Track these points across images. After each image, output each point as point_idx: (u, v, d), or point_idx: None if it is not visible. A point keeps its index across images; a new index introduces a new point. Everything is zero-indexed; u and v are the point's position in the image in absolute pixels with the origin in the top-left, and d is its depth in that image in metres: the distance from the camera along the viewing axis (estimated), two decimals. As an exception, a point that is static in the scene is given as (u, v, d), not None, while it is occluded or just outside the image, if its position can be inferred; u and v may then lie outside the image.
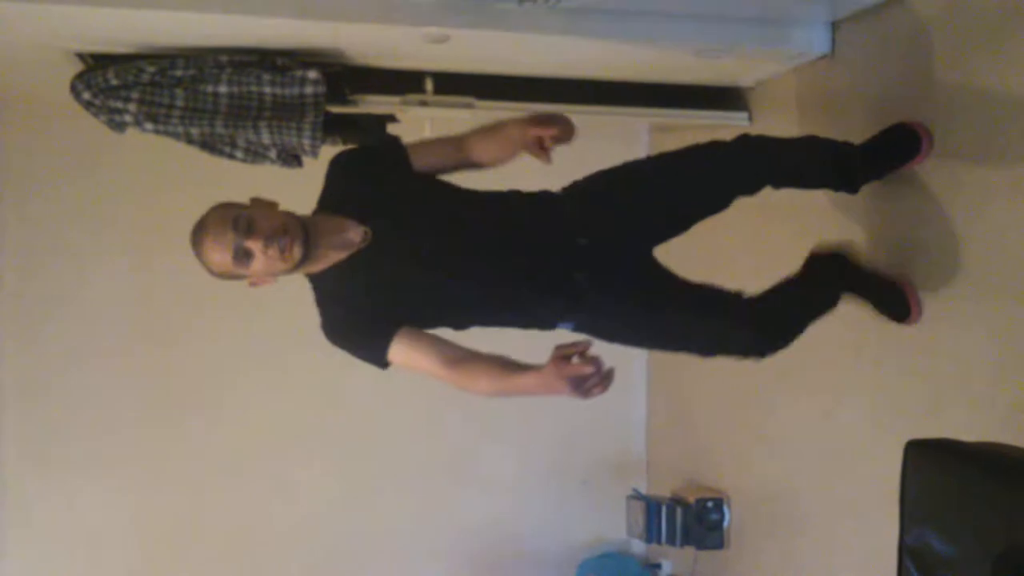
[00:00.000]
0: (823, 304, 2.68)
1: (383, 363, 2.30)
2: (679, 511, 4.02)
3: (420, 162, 2.40)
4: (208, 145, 3.13)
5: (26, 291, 4.10)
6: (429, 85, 3.31)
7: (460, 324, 2.41)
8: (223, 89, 3.00)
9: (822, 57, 3.13)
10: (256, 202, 2.25)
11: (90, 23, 2.81)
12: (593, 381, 2.08)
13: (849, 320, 2.97)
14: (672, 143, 4.19)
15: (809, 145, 2.66)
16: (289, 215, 2.23)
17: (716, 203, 2.58)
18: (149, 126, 3.00)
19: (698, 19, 3.00)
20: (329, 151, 3.16)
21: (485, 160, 2.47)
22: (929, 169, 2.65)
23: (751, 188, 2.57)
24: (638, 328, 2.54)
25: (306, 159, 3.20)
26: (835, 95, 3.12)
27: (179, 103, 2.99)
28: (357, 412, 4.33)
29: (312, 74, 3.02)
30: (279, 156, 3.15)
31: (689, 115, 3.64)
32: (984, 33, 2.48)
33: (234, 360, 4.25)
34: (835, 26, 3.07)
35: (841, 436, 3.07)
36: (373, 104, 3.30)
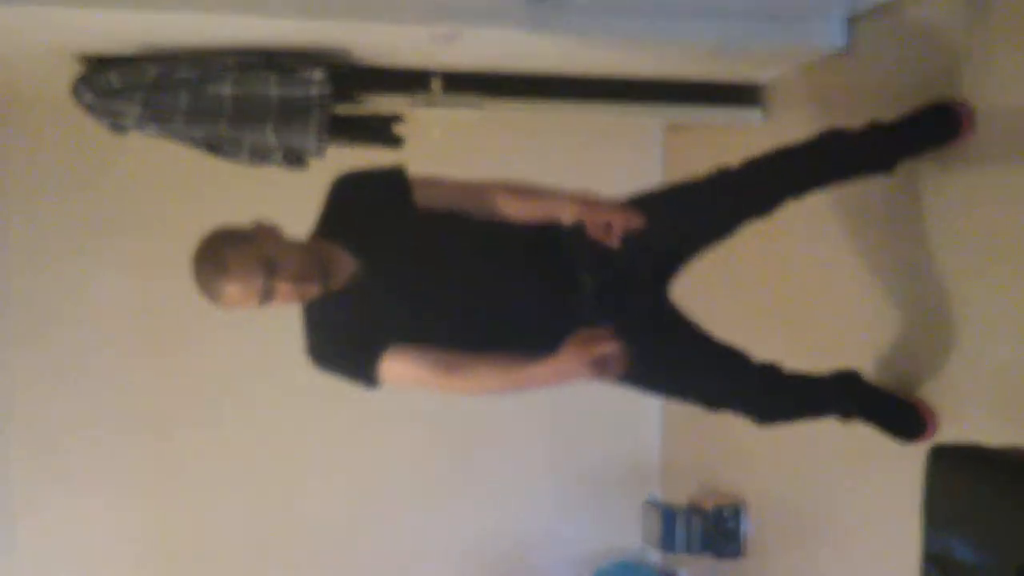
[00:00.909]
0: (820, 413, 2.74)
1: (371, 381, 2.26)
2: (696, 519, 4.00)
3: (423, 197, 2.32)
4: (212, 147, 3.14)
5: (31, 297, 4.10)
6: (436, 85, 3.29)
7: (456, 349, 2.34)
8: (228, 91, 3.01)
9: (838, 53, 3.09)
10: (260, 229, 2.19)
11: (93, 24, 2.80)
12: (615, 363, 2.07)
13: (869, 324, 2.95)
14: (684, 142, 4.23)
15: (827, 143, 2.60)
16: (306, 252, 2.19)
17: (726, 232, 2.56)
18: (153, 128, 3.02)
19: (712, 16, 2.98)
20: (334, 153, 3.18)
21: (510, 217, 2.35)
22: (949, 165, 2.60)
23: (766, 212, 2.55)
24: (642, 373, 2.42)
25: (311, 160, 3.19)
26: (851, 91, 3.09)
27: (183, 105, 3.00)
28: (366, 422, 4.31)
29: (318, 75, 3.02)
30: (284, 157, 3.15)
31: (703, 112, 3.62)
32: (1004, 27, 2.43)
33: (239, 370, 4.25)
34: (852, 21, 3.04)
35: (862, 441, 3.02)
36: (380, 104, 3.29)
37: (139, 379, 4.19)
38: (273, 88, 3.00)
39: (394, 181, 2.33)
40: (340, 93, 3.11)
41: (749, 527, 3.91)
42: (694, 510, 4.03)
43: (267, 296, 2.10)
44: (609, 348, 2.04)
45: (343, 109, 3.20)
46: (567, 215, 2.28)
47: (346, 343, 2.27)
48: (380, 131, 3.25)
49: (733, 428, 3.95)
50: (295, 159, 3.17)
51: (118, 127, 3.03)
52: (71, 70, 3.04)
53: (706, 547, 3.98)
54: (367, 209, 2.31)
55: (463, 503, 4.50)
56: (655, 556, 4.53)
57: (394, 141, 3.25)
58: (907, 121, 2.62)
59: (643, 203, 2.45)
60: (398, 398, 3.77)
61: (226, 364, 4.23)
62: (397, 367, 2.23)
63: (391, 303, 2.27)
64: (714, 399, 2.62)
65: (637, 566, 4.51)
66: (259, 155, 3.15)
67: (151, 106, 2.97)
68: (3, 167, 4.03)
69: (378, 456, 4.41)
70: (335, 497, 4.38)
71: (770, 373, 2.61)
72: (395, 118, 3.30)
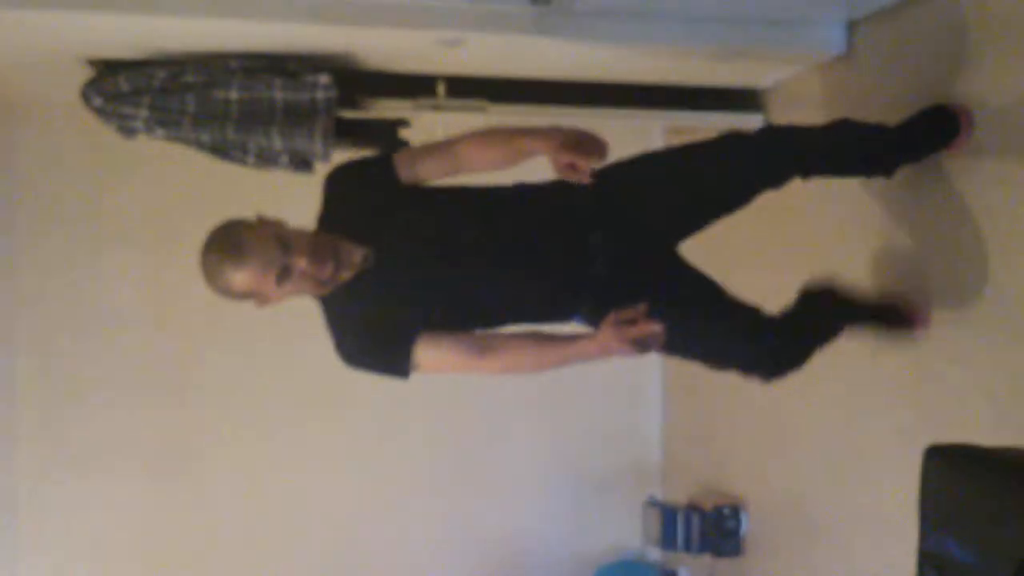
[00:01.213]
0: (826, 333, 2.64)
1: (405, 373, 2.25)
2: (696, 518, 4.02)
3: (406, 173, 2.31)
4: (219, 150, 3.13)
5: (40, 299, 4.11)
6: (441, 89, 3.30)
7: (472, 325, 2.34)
8: (234, 95, 3.01)
9: (838, 58, 3.12)
10: (263, 220, 2.18)
11: (101, 29, 2.82)
12: (654, 338, 2.09)
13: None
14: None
15: (840, 130, 2.60)
16: (315, 234, 2.19)
17: (739, 198, 2.50)
18: (160, 132, 3.02)
19: (714, 21, 2.99)
20: (340, 157, 3.19)
21: (482, 169, 2.34)
22: (951, 169, 2.62)
23: (777, 181, 2.50)
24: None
25: (317, 164, 3.19)
26: (851, 96, 3.11)
27: (190, 109, 3.00)
28: (371, 421, 4.33)
29: (323, 79, 3.03)
30: (290, 161, 3.16)
31: (704, 117, 3.62)
32: (1002, 32, 2.45)
33: (248, 366, 4.26)
34: (851, 27, 3.06)
35: (859, 442, 3.05)
36: (385, 108, 3.29)
37: (149, 381, 4.21)
38: (279, 92, 3.01)
39: (380, 165, 2.33)
40: (345, 97, 3.11)
41: (748, 526, 3.92)
42: (694, 509, 4.05)
43: (285, 274, 2.08)
44: (649, 330, 2.06)
45: (349, 113, 3.21)
46: (534, 150, 2.25)
47: (375, 338, 2.24)
48: (385, 135, 3.24)
49: (733, 428, 4.00)
50: (301, 163, 3.17)
51: (127, 130, 3.03)
52: (81, 74, 3.06)
53: (706, 546, 3.99)
54: (362, 192, 2.30)
55: (465, 502, 4.51)
56: (655, 555, 4.54)
57: (399, 145, 3.25)
58: (908, 126, 2.63)
59: (651, 162, 2.46)
60: (399, 399, 3.82)
61: (234, 361, 4.25)
62: (432, 354, 2.22)
63: (407, 289, 2.25)
64: (720, 359, 2.56)
65: (637, 565, 4.52)
66: (265, 159, 3.15)
67: (158, 110, 2.97)
68: (14, 169, 4.04)
69: (380, 455, 4.42)
70: (338, 496, 4.39)
71: (774, 320, 2.54)
72: (400, 122, 3.29)
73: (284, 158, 3.15)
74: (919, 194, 2.74)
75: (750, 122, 3.57)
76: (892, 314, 2.73)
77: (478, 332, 2.29)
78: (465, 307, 2.30)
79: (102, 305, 4.16)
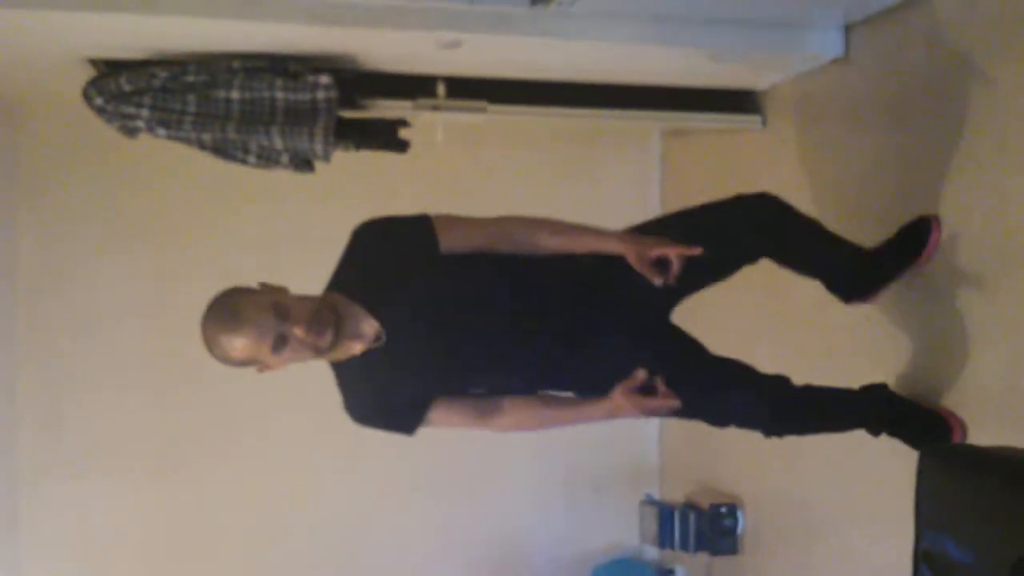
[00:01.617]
0: (841, 428, 2.68)
1: (412, 433, 2.33)
2: (692, 517, 4.02)
3: (451, 245, 2.27)
4: (220, 150, 3.14)
5: (41, 297, 4.11)
6: (441, 89, 3.31)
7: (496, 395, 2.38)
8: (235, 95, 3.02)
9: (835, 60, 3.13)
10: (268, 288, 2.17)
11: (103, 29, 2.83)
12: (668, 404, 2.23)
13: (865, 327, 2.98)
14: (683, 148, 4.26)
15: (825, 242, 2.60)
16: (316, 301, 2.16)
17: (732, 266, 2.54)
18: (161, 132, 3.02)
19: (712, 23, 3.00)
20: (341, 156, 3.20)
21: (538, 254, 2.34)
22: (945, 180, 2.62)
23: (754, 260, 2.54)
24: None
25: (318, 164, 3.21)
26: (848, 98, 3.12)
27: (191, 109, 3.01)
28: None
29: (324, 79, 3.03)
30: (291, 161, 3.16)
31: (702, 119, 3.64)
32: (999, 36, 2.47)
33: (249, 370, 4.25)
34: (848, 29, 3.07)
35: (856, 440, 3.04)
36: (385, 108, 3.31)
37: (151, 380, 4.21)
38: (280, 92, 3.02)
39: (420, 231, 2.27)
40: (346, 98, 3.13)
41: (745, 525, 3.93)
42: (691, 508, 4.05)
43: (280, 343, 2.07)
44: (669, 403, 2.19)
45: (349, 113, 3.21)
46: (612, 248, 2.27)
47: (388, 403, 2.28)
48: (386, 135, 3.25)
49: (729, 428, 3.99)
50: (302, 163, 3.18)
51: (129, 130, 3.04)
52: (83, 73, 3.06)
53: (702, 545, 3.99)
54: (392, 259, 2.26)
55: (462, 501, 4.51)
56: (652, 553, 4.54)
57: (399, 145, 3.26)
58: (880, 251, 2.65)
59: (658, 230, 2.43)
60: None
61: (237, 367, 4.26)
62: (442, 418, 2.30)
63: (426, 362, 2.26)
64: (724, 417, 2.57)
65: (634, 563, 4.52)
66: (266, 159, 3.15)
67: (160, 109, 2.98)
68: (15, 168, 4.04)
69: (380, 455, 4.41)
70: (337, 496, 4.39)
71: (780, 385, 2.55)
72: (401, 122, 3.31)
73: (285, 158, 3.15)
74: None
75: (748, 123, 3.59)
76: (934, 426, 2.60)
77: (485, 397, 2.34)
78: (489, 375, 2.35)
79: (103, 305, 4.15)
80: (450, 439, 4.38)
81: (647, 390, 2.23)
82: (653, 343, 2.43)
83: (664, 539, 4.15)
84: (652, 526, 4.23)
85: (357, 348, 2.20)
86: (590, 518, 4.62)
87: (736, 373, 2.52)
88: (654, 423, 4.62)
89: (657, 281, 2.21)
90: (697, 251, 2.21)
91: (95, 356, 4.18)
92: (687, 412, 2.54)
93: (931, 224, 2.59)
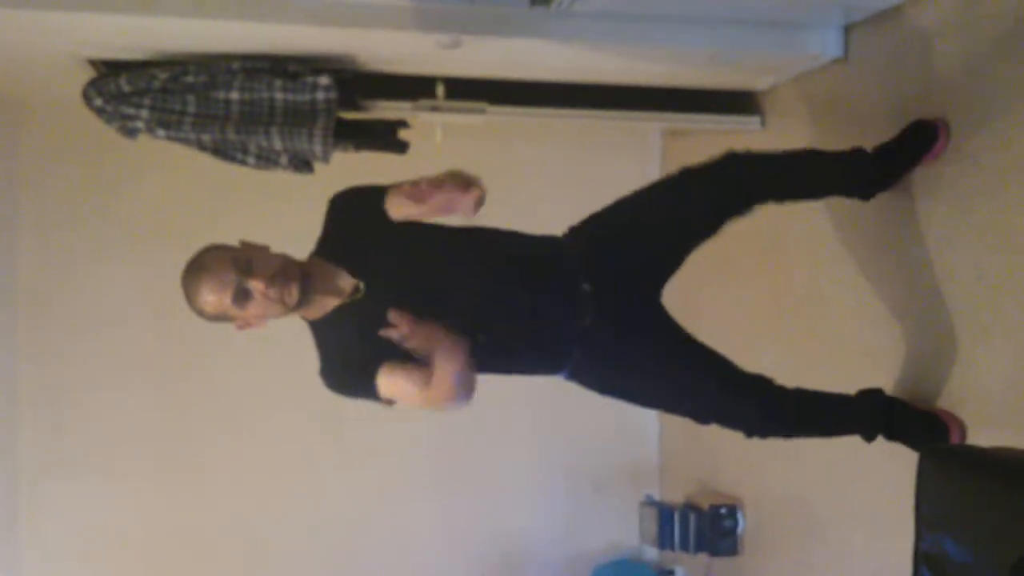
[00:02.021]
0: (836, 432, 2.70)
1: (381, 399, 2.30)
2: (692, 517, 4.03)
3: (396, 214, 2.31)
4: (220, 151, 3.14)
5: (42, 298, 4.12)
6: (440, 91, 3.32)
7: None
8: (235, 95, 3.02)
9: (835, 61, 3.13)
10: (246, 245, 2.22)
11: (102, 30, 2.83)
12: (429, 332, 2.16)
13: (865, 326, 2.98)
14: (683, 148, 4.27)
15: (808, 159, 2.66)
16: (286, 258, 2.21)
17: (707, 229, 2.55)
18: (161, 132, 3.03)
19: (711, 24, 3.01)
20: (341, 158, 3.21)
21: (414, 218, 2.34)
22: (944, 173, 2.64)
23: (741, 209, 2.55)
24: (636, 381, 2.49)
25: (318, 165, 3.21)
26: (848, 99, 3.12)
27: (191, 109, 3.01)
28: (370, 420, 4.33)
29: (323, 80, 3.03)
30: (290, 162, 3.17)
31: (702, 119, 3.65)
32: (998, 36, 2.47)
33: (250, 371, 4.27)
34: (848, 30, 3.07)
35: (856, 441, 3.05)
36: (384, 110, 3.31)
37: (151, 381, 4.22)
38: (279, 93, 3.02)
39: (375, 197, 2.33)
40: (345, 98, 3.13)
41: (745, 525, 3.93)
42: (691, 509, 4.06)
43: (242, 295, 2.11)
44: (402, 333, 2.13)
45: (348, 114, 3.22)
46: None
47: (350, 364, 2.27)
48: (385, 136, 3.26)
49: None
50: (302, 164, 3.18)
51: (128, 130, 3.04)
52: (83, 74, 3.07)
53: (702, 545, 3.99)
54: (358, 222, 2.32)
55: (462, 501, 4.52)
56: (652, 554, 4.55)
57: (399, 146, 3.26)
58: (885, 146, 2.68)
59: (626, 207, 2.49)
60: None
61: (235, 362, 4.25)
62: (387, 385, 2.24)
63: (384, 319, 2.25)
64: (705, 412, 2.58)
65: (635, 564, 4.53)
66: (266, 159, 3.16)
67: (159, 110, 2.98)
68: (16, 168, 4.05)
69: (381, 455, 4.43)
70: (340, 496, 4.40)
71: (765, 386, 2.55)
72: (400, 123, 3.31)
73: (284, 159, 3.16)
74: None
75: (747, 124, 3.60)
76: (931, 429, 2.59)
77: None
78: None
79: (103, 305, 4.16)
80: (450, 438, 4.44)
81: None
82: (636, 334, 2.42)
83: (664, 540, 4.16)
84: (652, 527, 4.24)
85: (333, 303, 2.25)
86: (590, 518, 4.63)
87: (722, 370, 2.51)
88: (654, 424, 4.64)
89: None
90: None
91: (96, 356, 4.19)
92: (670, 407, 2.64)
93: (937, 129, 2.60)
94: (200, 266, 2.14)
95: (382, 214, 2.31)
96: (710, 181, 2.53)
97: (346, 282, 2.26)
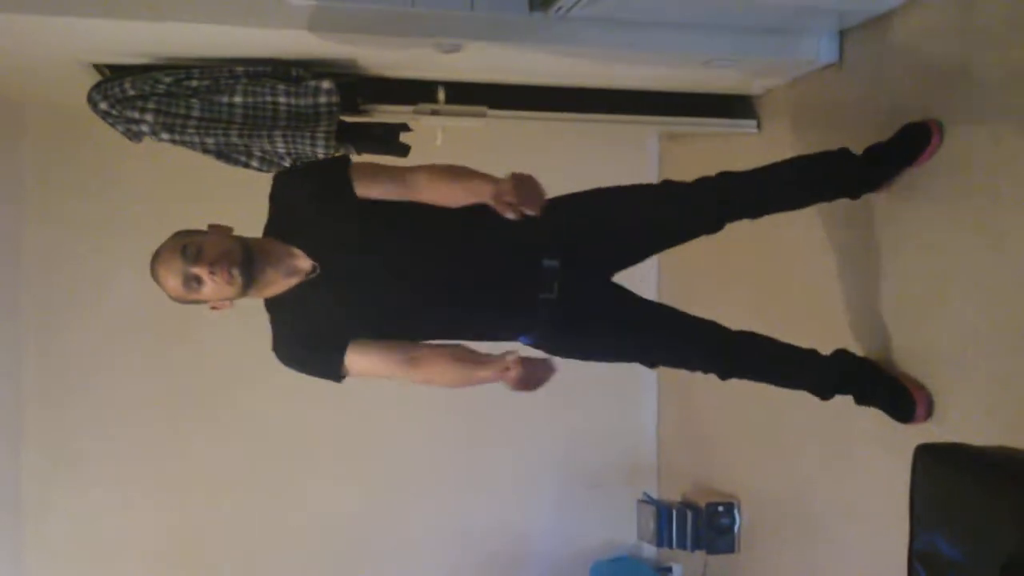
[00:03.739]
0: (794, 382, 2.81)
1: (338, 376, 2.36)
2: (690, 515, 4.04)
3: (363, 190, 2.35)
4: (223, 155, 3.15)
5: (46, 300, 4.13)
6: (441, 95, 3.34)
7: (415, 339, 2.42)
8: (238, 99, 3.03)
9: (830, 66, 3.15)
10: (213, 228, 2.30)
11: (107, 35, 2.85)
12: (541, 375, 2.24)
13: (856, 325, 3.01)
14: (680, 151, 4.29)
15: (793, 172, 2.73)
16: (236, 240, 2.26)
17: (671, 240, 2.74)
18: (165, 136, 3.04)
19: (707, 29, 3.03)
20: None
21: (436, 201, 2.38)
22: (936, 177, 2.66)
23: (710, 228, 2.65)
24: (596, 340, 2.59)
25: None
26: (843, 103, 3.14)
27: (195, 113, 3.02)
28: (366, 419, 4.35)
29: (326, 84, 3.05)
30: (293, 165, 3.18)
31: (699, 123, 3.67)
32: (992, 42, 2.49)
33: (249, 367, 4.24)
34: (843, 35, 3.09)
35: (852, 440, 3.08)
36: (386, 113, 3.33)
37: (153, 382, 4.23)
38: (282, 97, 3.04)
39: (336, 174, 2.36)
40: (347, 102, 3.14)
41: (742, 523, 3.95)
42: (688, 507, 4.07)
43: (193, 281, 2.20)
44: (517, 375, 2.20)
45: (350, 118, 3.23)
46: (484, 195, 2.27)
47: (309, 342, 2.35)
48: (387, 139, 3.26)
49: (727, 425, 4.03)
50: (304, 167, 3.21)
51: (133, 134, 3.05)
52: (87, 78, 3.08)
53: (700, 543, 4.01)
54: (313, 199, 2.35)
55: (463, 499, 4.53)
56: (650, 551, 4.56)
57: (401, 149, 3.28)
58: (876, 147, 2.74)
59: (601, 199, 2.58)
60: (400, 398, 3.86)
61: (236, 362, 4.25)
62: (361, 362, 2.33)
63: (352, 300, 2.33)
64: (655, 354, 2.72)
65: (633, 561, 4.55)
66: (268, 162, 3.17)
67: (163, 114, 2.99)
68: (20, 171, 4.05)
69: (381, 452, 4.44)
70: (340, 492, 4.41)
71: (717, 327, 2.69)
72: (402, 126, 3.32)
73: (287, 162, 3.17)
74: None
75: (743, 128, 3.63)
76: (902, 398, 2.73)
77: (409, 343, 2.37)
78: (412, 323, 2.39)
79: (108, 310, 4.17)
80: (448, 437, 4.45)
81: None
82: (597, 305, 2.54)
83: (662, 537, 4.16)
84: (650, 524, 4.25)
85: (290, 283, 2.31)
86: (588, 516, 4.65)
87: (668, 313, 2.68)
88: (651, 422, 4.66)
89: (510, 214, 2.21)
90: (534, 213, 2.22)
91: (100, 363, 4.19)
92: (649, 355, 2.74)
93: (931, 130, 2.64)
94: (156, 255, 2.26)
95: (346, 190, 2.33)
96: (689, 201, 2.64)
97: (302, 261, 2.30)
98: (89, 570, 4.26)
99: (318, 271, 2.29)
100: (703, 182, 2.65)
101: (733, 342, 2.69)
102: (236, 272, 2.21)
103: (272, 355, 4.07)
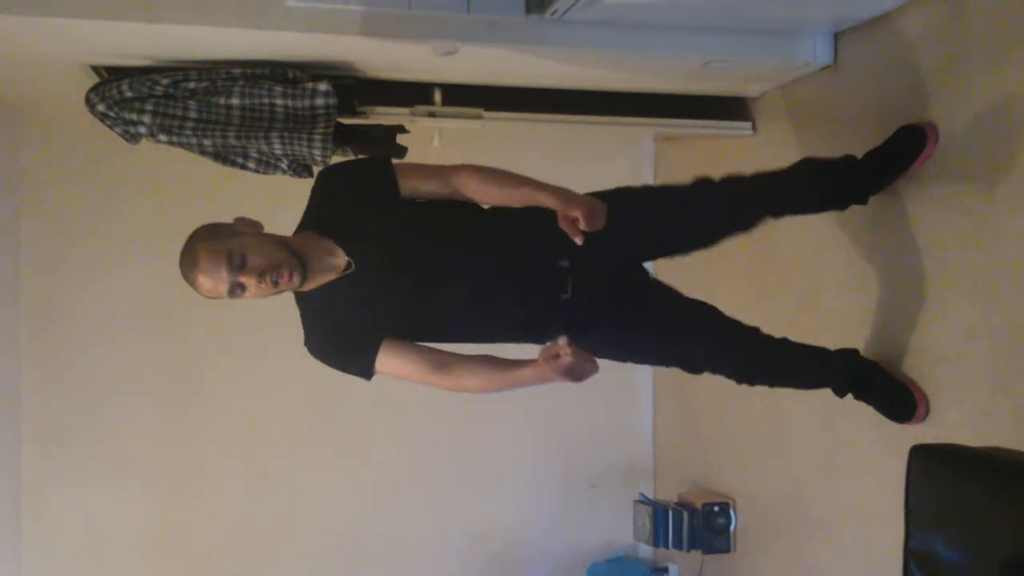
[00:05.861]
0: (809, 383, 2.85)
1: (368, 374, 2.35)
2: (686, 515, 4.05)
3: (405, 185, 2.35)
4: (221, 156, 3.15)
5: (43, 298, 4.12)
6: (438, 97, 3.35)
7: (443, 340, 2.42)
8: (235, 101, 3.03)
9: (825, 68, 3.16)
10: (241, 223, 2.26)
11: (104, 37, 2.85)
12: (587, 367, 2.14)
13: (855, 323, 3.02)
14: (675, 153, 4.30)
15: (804, 172, 2.74)
16: (281, 246, 2.23)
17: (703, 242, 2.68)
18: (163, 137, 3.03)
19: (703, 31, 3.04)
20: (339, 161, 3.22)
21: (487, 202, 2.40)
22: (932, 179, 2.68)
23: (743, 228, 2.67)
24: (621, 347, 2.60)
25: (316, 169, 3.22)
26: (838, 105, 3.16)
27: (192, 115, 3.02)
28: (365, 418, 4.36)
29: (323, 86, 3.05)
30: (291, 167, 3.18)
31: (694, 125, 3.68)
32: (987, 44, 2.51)
33: (248, 366, 4.28)
34: (838, 37, 3.10)
35: (847, 440, 3.09)
36: (383, 115, 3.33)
37: (150, 377, 4.23)
38: (279, 99, 3.03)
39: (380, 172, 2.37)
40: (344, 104, 3.15)
41: (738, 523, 3.96)
42: (684, 507, 4.08)
43: (237, 288, 2.17)
44: (572, 360, 2.09)
45: (347, 120, 3.23)
46: (544, 202, 2.25)
47: (342, 338, 2.34)
48: (384, 141, 3.26)
49: (723, 426, 4.04)
50: (302, 168, 3.20)
51: (130, 136, 3.05)
52: (85, 80, 3.08)
53: (696, 543, 4.02)
54: (355, 196, 2.35)
55: (461, 500, 4.54)
56: (647, 552, 4.57)
57: (398, 151, 3.28)
58: (874, 152, 2.75)
59: (626, 200, 2.53)
60: (399, 398, 3.86)
61: (235, 361, 4.27)
62: (392, 362, 2.32)
63: (384, 297, 2.33)
64: (696, 362, 2.70)
65: (629, 561, 4.56)
66: (266, 164, 3.18)
67: (161, 116, 2.99)
68: (18, 173, 4.05)
69: (380, 452, 4.45)
70: (339, 492, 4.42)
71: (757, 336, 2.69)
72: (399, 128, 3.33)
73: (284, 163, 3.18)
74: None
75: (739, 130, 3.63)
76: (900, 396, 2.75)
77: (438, 348, 2.37)
78: (440, 323, 2.39)
79: (106, 310, 4.17)
80: (446, 437, 4.46)
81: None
82: (621, 295, 2.53)
83: (658, 537, 4.17)
84: (646, 525, 4.25)
85: (327, 279, 2.30)
86: (585, 516, 4.66)
87: (710, 319, 2.65)
88: (648, 423, 4.67)
89: (577, 240, 2.18)
90: (599, 227, 2.20)
91: (98, 361, 4.19)
92: (662, 359, 2.74)
93: (926, 133, 2.66)
94: (194, 263, 2.18)
95: (389, 187, 2.33)
96: (712, 201, 2.62)
97: (339, 258, 2.29)
98: (87, 567, 4.25)
99: (353, 267, 2.29)
100: (733, 183, 2.65)
101: (764, 352, 2.71)
102: (296, 277, 2.21)
103: (272, 355, 4.17)
